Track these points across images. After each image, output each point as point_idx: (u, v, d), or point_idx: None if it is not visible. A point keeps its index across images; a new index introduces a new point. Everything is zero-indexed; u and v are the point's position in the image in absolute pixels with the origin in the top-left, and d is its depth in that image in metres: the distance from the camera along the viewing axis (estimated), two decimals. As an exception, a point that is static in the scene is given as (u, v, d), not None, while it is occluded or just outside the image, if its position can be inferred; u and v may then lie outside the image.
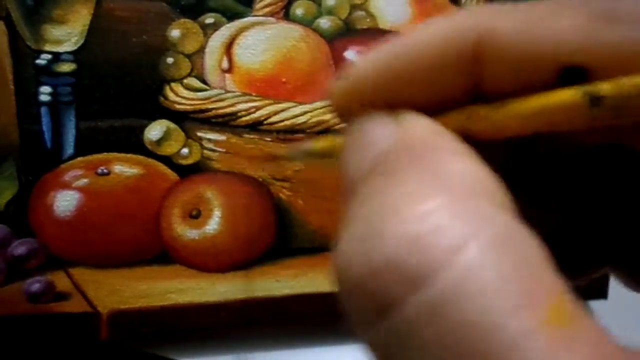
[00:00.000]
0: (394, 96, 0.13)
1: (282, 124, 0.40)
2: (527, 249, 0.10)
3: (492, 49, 0.12)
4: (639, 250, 0.16)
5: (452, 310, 0.09)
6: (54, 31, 0.37)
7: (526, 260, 0.10)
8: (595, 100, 0.11)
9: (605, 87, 0.11)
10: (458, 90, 0.13)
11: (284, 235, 0.40)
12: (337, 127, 0.40)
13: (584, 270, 0.17)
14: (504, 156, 0.15)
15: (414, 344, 0.10)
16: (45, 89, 0.37)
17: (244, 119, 0.39)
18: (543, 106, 0.12)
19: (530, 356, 0.09)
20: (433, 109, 0.13)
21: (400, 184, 0.11)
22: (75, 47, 0.38)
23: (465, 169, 0.11)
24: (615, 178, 0.16)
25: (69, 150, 0.38)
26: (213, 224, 0.39)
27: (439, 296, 0.09)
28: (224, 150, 0.39)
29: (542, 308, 0.09)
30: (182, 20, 0.39)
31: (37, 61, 0.37)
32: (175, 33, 0.39)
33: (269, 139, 0.40)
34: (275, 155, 0.21)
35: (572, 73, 0.12)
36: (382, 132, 0.12)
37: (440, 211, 0.10)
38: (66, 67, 0.38)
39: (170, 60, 0.39)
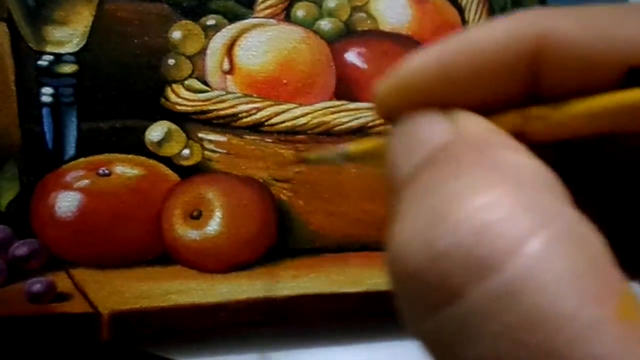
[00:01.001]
0: (446, 96, 0.13)
1: (282, 125, 0.40)
2: (593, 245, 0.10)
3: (553, 50, 0.12)
4: None
5: (521, 299, 0.09)
6: (55, 32, 0.38)
7: (593, 256, 0.10)
8: None
9: None
10: (514, 92, 0.13)
11: (285, 236, 0.40)
12: (337, 128, 0.40)
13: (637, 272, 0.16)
14: (553, 158, 0.15)
15: (480, 334, 0.10)
16: (47, 90, 0.37)
17: (244, 120, 0.40)
18: (608, 106, 0.11)
19: (601, 347, 0.09)
20: (486, 110, 0.13)
21: (462, 174, 0.11)
22: (77, 49, 0.38)
23: (525, 163, 0.11)
24: None
25: (71, 151, 0.38)
26: (214, 225, 0.39)
27: (507, 285, 0.09)
28: (224, 151, 0.40)
29: (612, 302, 0.09)
30: (184, 21, 0.39)
31: (39, 62, 0.37)
32: (176, 34, 0.39)
33: (269, 140, 0.40)
34: (306, 158, 0.21)
35: (637, 74, 0.12)
36: (435, 129, 0.12)
37: (506, 201, 0.10)
38: (68, 68, 0.38)
39: (171, 61, 0.39)
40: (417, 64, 0.13)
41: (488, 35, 0.12)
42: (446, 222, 0.10)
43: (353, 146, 0.15)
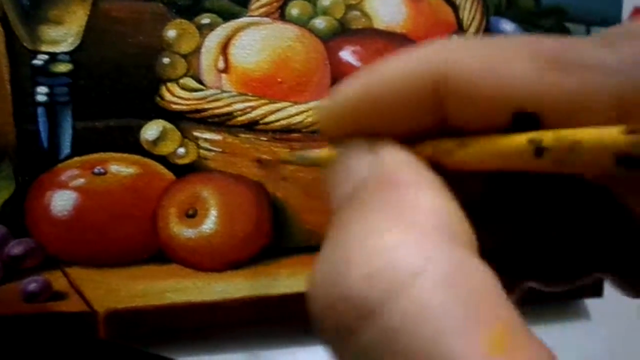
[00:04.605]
0: (372, 124, 0.14)
1: (277, 123, 0.40)
2: (475, 282, 0.11)
3: (454, 87, 0.13)
4: (627, 257, 0.16)
5: (399, 339, 0.10)
6: (50, 32, 0.38)
7: (472, 293, 0.10)
8: (539, 151, 0.12)
9: (548, 138, 0.12)
10: (427, 122, 0.13)
11: (280, 234, 0.40)
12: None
13: (577, 275, 0.17)
14: (478, 179, 0.16)
15: None
16: (42, 89, 0.37)
17: (240, 118, 0.40)
18: (495, 149, 0.12)
19: None
20: (410, 137, 0.13)
21: (365, 218, 0.12)
22: (72, 48, 0.38)
23: (429, 204, 0.12)
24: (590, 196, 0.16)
25: (66, 150, 0.38)
26: (209, 223, 0.39)
27: (387, 326, 0.10)
28: (220, 149, 0.40)
29: (484, 336, 0.10)
30: (178, 20, 0.39)
31: (34, 61, 0.37)
32: (171, 33, 0.39)
33: (264, 139, 0.40)
34: (270, 159, 0.21)
35: (523, 118, 0.12)
36: (358, 162, 0.13)
37: (396, 246, 0.11)
38: (63, 67, 0.38)
39: (166, 60, 0.39)
40: (344, 93, 0.14)
41: (396, 68, 0.13)
42: (342, 269, 0.11)
43: (317, 152, 0.16)
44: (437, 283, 0.10)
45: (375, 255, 0.11)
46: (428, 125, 0.14)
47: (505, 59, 0.12)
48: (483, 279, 0.11)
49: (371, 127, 0.14)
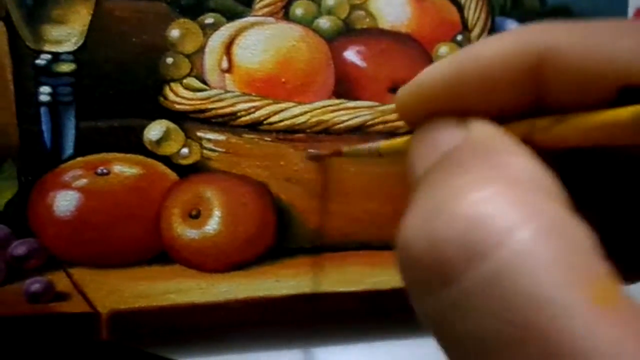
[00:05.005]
0: (462, 104, 0.14)
1: (281, 123, 0.40)
2: (576, 236, 0.11)
3: (555, 66, 0.13)
4: None
5: (506, 284, 0.10)
6: (53, 31, 0.38)
7: (574, 245, 0.11)
8: None
9: None
10: (522, 102, 0.14)
11: (284, 235, 0.40)
12: (336, 126, 0.40)
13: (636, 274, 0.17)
14: (563, 162, 0.16)
15: (470, 313, 0.11)
16: (45, 89, 0.37)
17: (243, 119, 0.39)
18: (601, 123, 0.12)
19: (575, 326, 0.10)
20: (499, 118, 0.14)
21: (462, 173, 0.12)
22: (75, 47, 0.38)
23: (523, 165, 0.12)
24: None
25: (69, 150, 0.38)
26: (213, 224, 0.39)
27: (494, 271, 0.10)
28: (223, 150, 0.40)
29: (588, 286, 0.10)
30: (182, 20, 0.39)
31: (37, 61, 0.37)
32: (174, 33, 0.39)
33: (268, 139, 0.40)
34: (340, 151, 0.21)
35: (630, 92, 0.12)
36: (449, 134, 0.14)
37: (499, 197, 0.11)
38: (66, 67, 0.38)
39: (169, 60, 0.39)
40: (431, 74, 0.14)
41: (494, 49, 0.14)
42: (444, 215, 0.11)
43: (384, 143, 0.17)
44: (539, 234, 0.11)
45: (478, 204, 0.11)
46: (520, 105, 0.14)
47: (607, 36, 0.13)
48: (582, 233, 0.11)
49: (461, 107, 0.14)
